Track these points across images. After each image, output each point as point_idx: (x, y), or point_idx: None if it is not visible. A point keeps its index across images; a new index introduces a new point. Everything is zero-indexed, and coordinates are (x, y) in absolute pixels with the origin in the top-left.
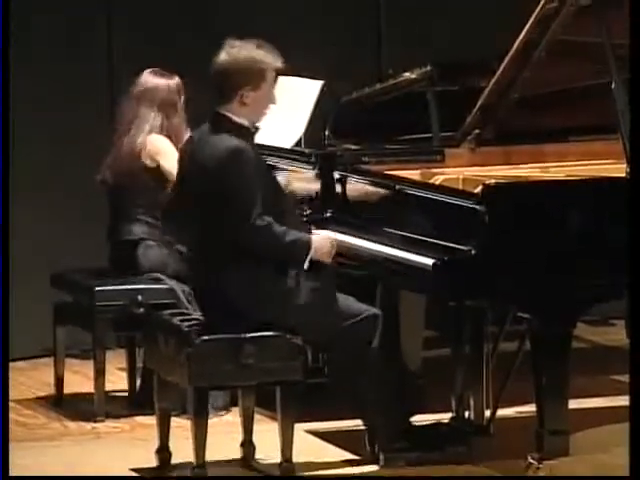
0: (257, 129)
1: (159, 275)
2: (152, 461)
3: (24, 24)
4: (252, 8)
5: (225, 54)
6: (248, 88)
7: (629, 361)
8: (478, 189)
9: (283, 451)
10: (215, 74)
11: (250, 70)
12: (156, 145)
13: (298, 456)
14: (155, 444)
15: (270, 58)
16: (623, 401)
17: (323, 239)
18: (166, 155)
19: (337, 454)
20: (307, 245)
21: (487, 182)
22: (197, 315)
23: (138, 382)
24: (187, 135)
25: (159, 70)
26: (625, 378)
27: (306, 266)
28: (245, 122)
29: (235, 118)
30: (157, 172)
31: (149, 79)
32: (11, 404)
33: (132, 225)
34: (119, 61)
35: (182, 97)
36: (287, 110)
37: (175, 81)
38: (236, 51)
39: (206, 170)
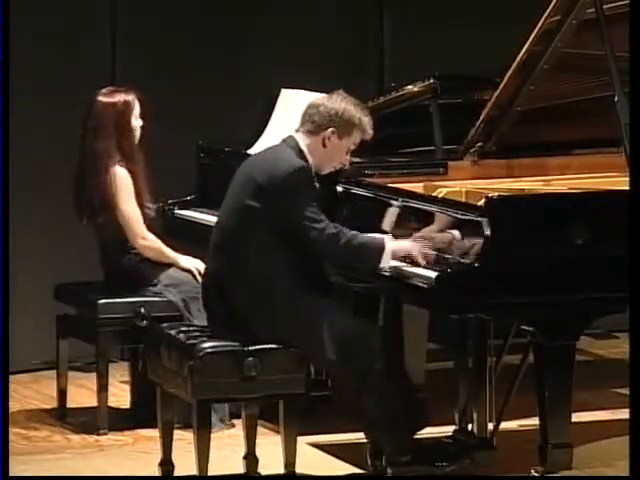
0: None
1: (163, 288)
2: (155, 474)
3: (24, 52)
4: (255, 23)
5: (329, 97)
6: (334, 131)
7: (629, 374)
8: (481, 202)
9: (286, 464)
10: (310, 108)
11: (345, 120)
12: (120, 182)
13: (301, 469)
14: (158, 457)
15: (365, 122)
16: (627, 414)
17: (410, 245)
18: (126, 195)
19: (340, 467)
20: (380, 246)
21: (490, 195)
22: (200, 327)
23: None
24: (141, 157)
25: (108, 89)
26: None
27: (387, 265)
28: (310, 159)
29: (305, 149)
30: None
31: (99, 102)
32: (14, 417)
33: (123, 254)
34: (122, 77)
35: (134, 114)
36: (291, 123)
37: (123, 98)
38: (340, 99)
39: (268, 185)
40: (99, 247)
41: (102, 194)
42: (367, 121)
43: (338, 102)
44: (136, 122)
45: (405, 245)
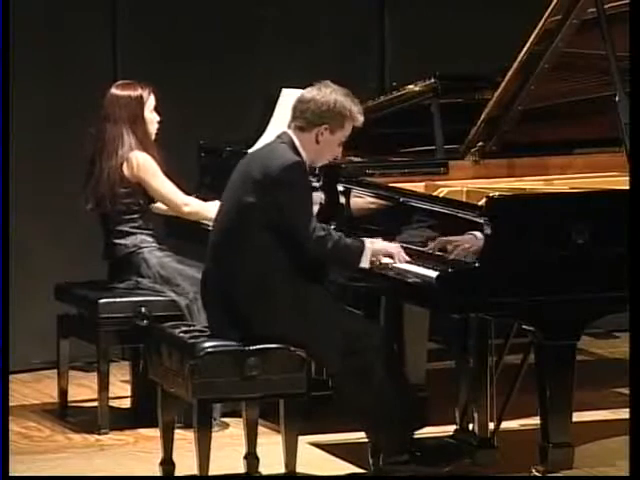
0: (310, 170)
1: (163, 288)
2: (156, 473)
3: (23, 52)
4: (255, 22)
5: (318, 90)
6: (326, 127)
7: (629, 374)
8: (482, 201)
9: (287, 464)
10: (301, 103)
11: (337, 113)
12: (144, 165)
13: (301, 469)
14: (159, 456)
15: (356, 111)
16: (627, 414)
17: (390, 246)
18: (155, 174)
19: (340, 467)
20: (360, 247)
21: (491, 194)
22: (200, 327)
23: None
24: (155, 150)
25: (123, 82)
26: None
27: (366, 265)
28: (304, 154)
29: (298, 145)
30: (142, 187)
31: (112, 94)
32: (14, 416)
33: (126, 239)
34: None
35: (146, 108)
36: None
37: (137, 92)
38: (330, 91)
39: (264, 181)
40: (103, 233)
41: (114, 180)
42: (357, 110)
43: (327, 95)
44: (151, 115)
45: (385, 246)
